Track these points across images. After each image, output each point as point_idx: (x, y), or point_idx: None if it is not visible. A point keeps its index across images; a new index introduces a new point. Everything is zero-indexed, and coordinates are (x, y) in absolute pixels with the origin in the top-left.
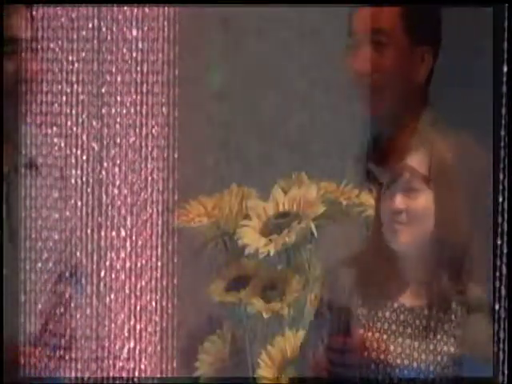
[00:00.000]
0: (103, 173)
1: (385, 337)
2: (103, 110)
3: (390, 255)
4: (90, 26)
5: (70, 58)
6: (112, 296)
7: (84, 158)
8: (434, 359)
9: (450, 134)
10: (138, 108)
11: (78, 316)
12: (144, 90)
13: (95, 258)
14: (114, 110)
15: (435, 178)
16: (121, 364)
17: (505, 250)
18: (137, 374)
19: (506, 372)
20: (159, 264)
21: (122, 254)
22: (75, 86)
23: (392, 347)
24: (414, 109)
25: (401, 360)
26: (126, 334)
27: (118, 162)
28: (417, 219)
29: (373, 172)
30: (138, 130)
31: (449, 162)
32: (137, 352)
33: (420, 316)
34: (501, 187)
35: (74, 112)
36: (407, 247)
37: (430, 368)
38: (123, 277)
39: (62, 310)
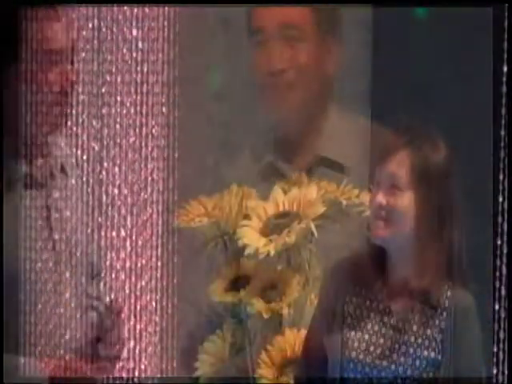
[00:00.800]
0: (103, 173)
1: (366, 337)
2: (103, 110)
3: (379, 255)
4: (90, 26)
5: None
6: (112, 296)
7: (84, 158)
8: (413, 362)
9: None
10: (138, 108)
11: (79, 316)
12: (144, 90)
13: (95, 258)
14: (113, 110)
15: (416, 180)
16: (121, 364)
17: (505, 250)
18: (137, 373)
19: (506, 372)
20: (159, 264)
21: (122, 254)
22: (75, 86)
23: (364, 345)
24: (323, 102)
25: (380, 360)
26: (126, 334)
27: (118, 162)
28: (396, 217)
29: (280, 169)
30: (137, 130)
31: (429, 164)
32: (137, 352)
33: (402, 318)
34: (501, 187)
35: (73, 112)
36: (384, 243)
37: (408, 371)
38: (123, 277)
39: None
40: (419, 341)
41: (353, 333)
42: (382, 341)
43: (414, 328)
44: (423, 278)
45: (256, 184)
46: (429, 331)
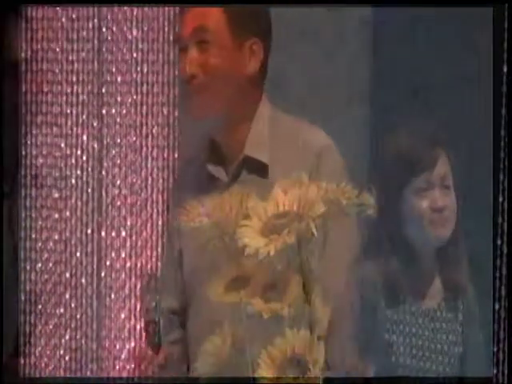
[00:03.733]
0: (103, 173)
1: (407, 340)
2: (103, 110)
3: (410, 258)
4: (90, 26)
5: (70, 58)
6: (112, 296)
7: (84, 158)
8: (442, 359)
9: None
10: (138, 108)
11: (79, 316)
12: (144, 90)
13: (95, 258)
14: (113, 110)
15: (454, 178)
16: (121, 364)
17: (505, 250)
18: (137, 373)
19: (506, 372)
20: (159, 263)
21: (122, 254)
22: (75, 87)
23: (408, 349)
24: (249, 103)
25: (411, 360)
26: (126, 334)
27: (118, 161)
28: (452, 215)
29: (212, 172)
30: (138, 130)
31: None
32: (137, 352)
33: (433, 317)
34: (501, 187)
35: (74, 112)
36: (442, 242)
37: (437, 367)
38: (123, 277)
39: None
40: (450, 337)
41: (394, 337)
42: (420, 342)
43: (444, 325)
44: (457, 272)
45: (191, 185)
46: (453, 325)
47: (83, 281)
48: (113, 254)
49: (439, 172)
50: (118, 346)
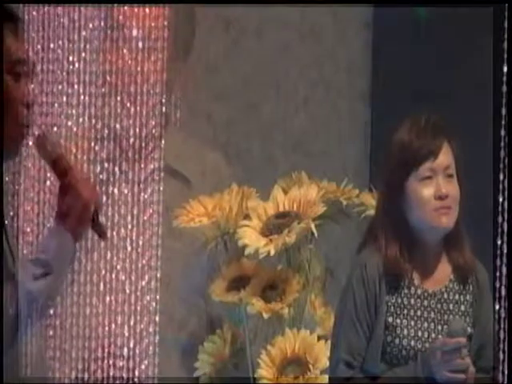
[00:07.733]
0: (103, 173)
1: (412, 323)
2: (105, 111)
3: (415, 244)
4: (90, 26)
5: (71, 59)
6: (112, 296)
7: (84, 158)
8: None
9: None
10: (139, 108)
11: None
12: (145, 90)
13: (95, 257)
14: (114, 110)
15: (457, 167)
16: (121, 364)
17: (505, 250)
18: (137, 373)
19: (506, 372)
20: (159, 264)
21: (122, 254)
22: (76, 87)
23: (413, 331)
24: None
25: (415, 342)
26: (126, 334)
27: (118, 162)
28: (455, 202)
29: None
30: (138, 131)
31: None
32: (137, 352)
33: (440, 299)
34: (501, 187)
35: (74, 112)
36: (447, 231)
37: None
38: (123, 277)
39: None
40: (457, 318)
41: (398, 320)
42: (426, 325)
43: (451, 306)
44: (463, 256)
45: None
46: (462, 307)
47: (82, 280)
48: (113, 255)
49: (442, 161)
50: (117, 346)
